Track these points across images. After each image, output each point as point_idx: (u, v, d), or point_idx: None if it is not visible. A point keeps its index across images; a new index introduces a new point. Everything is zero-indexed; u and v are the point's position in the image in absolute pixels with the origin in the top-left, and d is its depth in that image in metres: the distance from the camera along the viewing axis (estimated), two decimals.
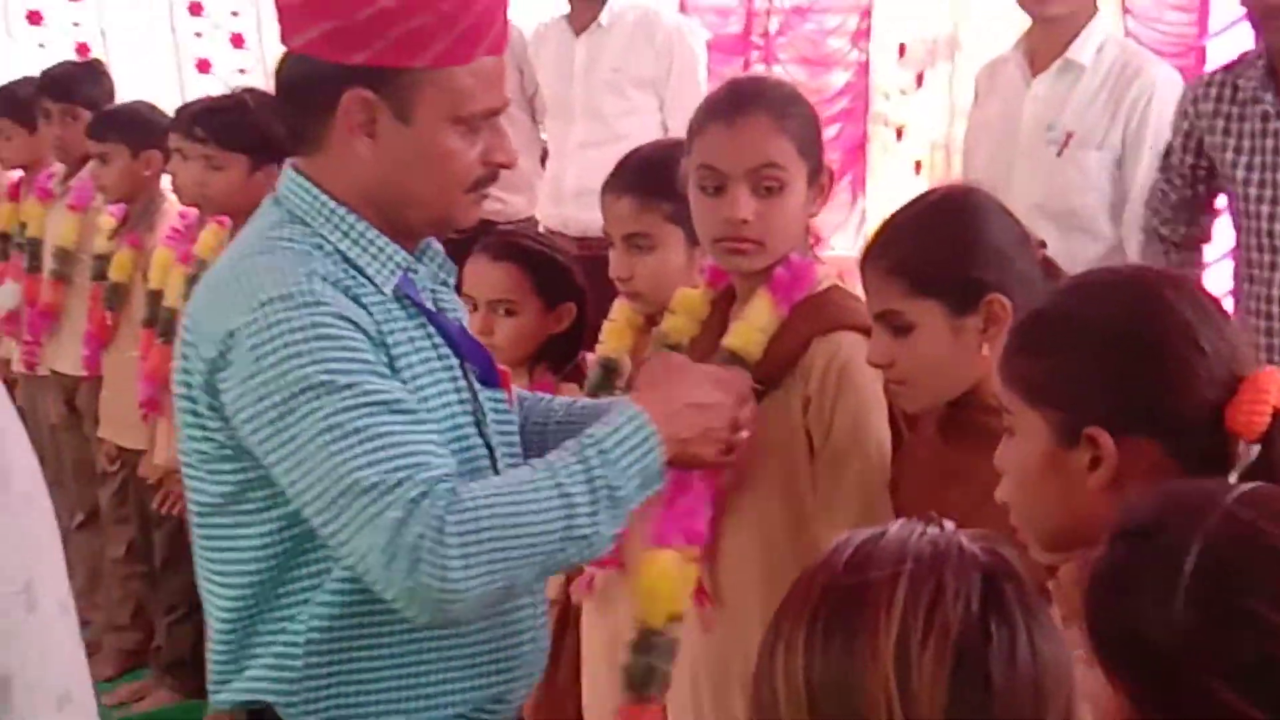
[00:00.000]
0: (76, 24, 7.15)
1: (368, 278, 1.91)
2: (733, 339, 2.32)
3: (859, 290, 2.19)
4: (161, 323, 4.24)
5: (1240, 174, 3.28)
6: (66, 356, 4.84)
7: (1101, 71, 3.48)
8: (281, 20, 1.94)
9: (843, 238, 6.19)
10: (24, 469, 1.12)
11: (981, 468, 1.74)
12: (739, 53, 6.91)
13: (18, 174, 5.23)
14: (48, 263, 4.88)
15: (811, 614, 1.21)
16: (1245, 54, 3.40)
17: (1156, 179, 3.42)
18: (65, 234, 4.82)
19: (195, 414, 1.88)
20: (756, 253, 2.28)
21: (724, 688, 2.37)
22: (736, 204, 2.26)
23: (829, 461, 2.27)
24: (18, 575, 1.16)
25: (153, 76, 7.08)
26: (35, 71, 5.05)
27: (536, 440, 2.12)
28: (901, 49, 6.42)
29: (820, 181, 2.30)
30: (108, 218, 4.65)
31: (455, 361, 1.97)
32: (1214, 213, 3.53)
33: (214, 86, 7.01)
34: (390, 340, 1.89)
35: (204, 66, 7.41)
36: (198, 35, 7.40)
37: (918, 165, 6.35)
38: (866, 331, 2.16)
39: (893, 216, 2.12)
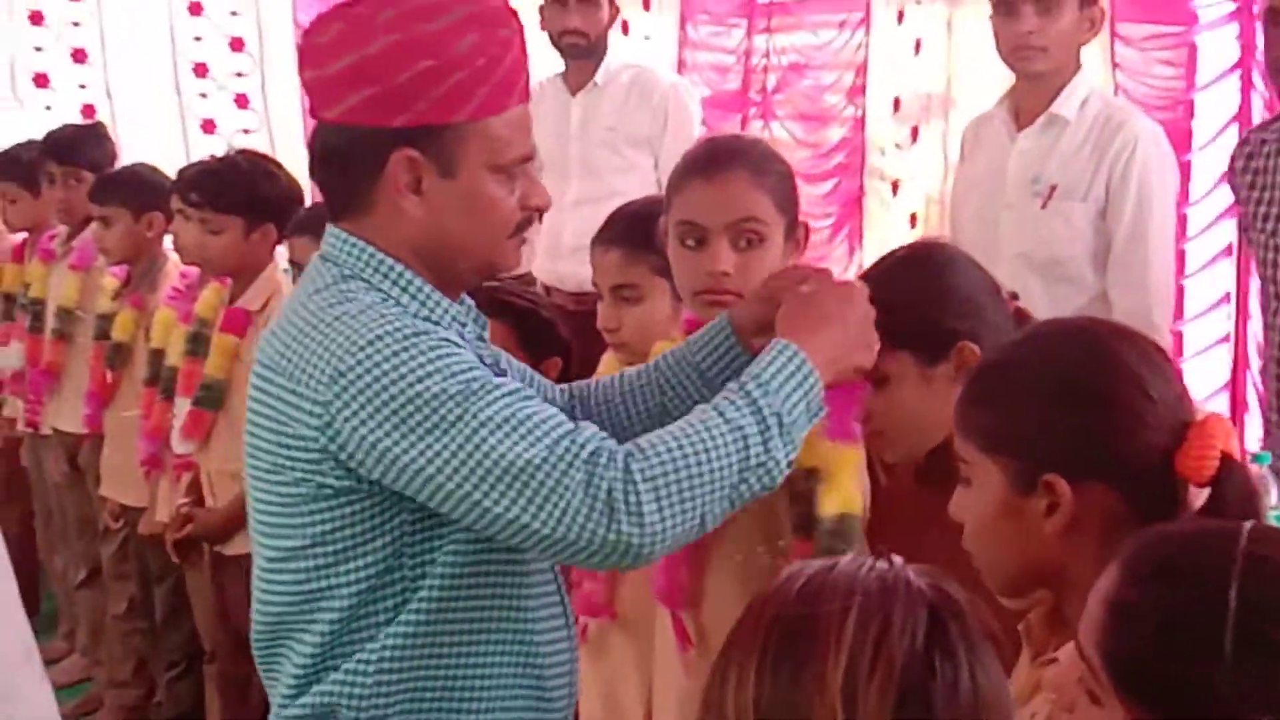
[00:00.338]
0: (83, 86, 7.22)
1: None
2: None
3: None
4: (163, 381, 4.28)
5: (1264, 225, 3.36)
6: (68, 415, 4.89)
7: (1085, 125, 3.53)
8: (314, 95, 1.99)
9: None
10: None
11: None
12: (737, 109, 6.96)
13: (22, 236, 5.29)
14: (50, 322, 4.94)
15: (762, 643, 1.26)
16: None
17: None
18: (67, 294, 4.88)
19: (290, 459, 1.93)
20: (737, 304, 2.32)
21: None
22: (717, 257, 2.30)
23: None
24: None
25: (158, 137, 7.15)
26: (42, 134, 5.12)
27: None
28: (896, 104, 6.46)
29: (796, 236, 2.36)
30: (111, 278, 4.71)
31: None
32: None
33: (219, 146, 7.08)
34: None
35: (209, 127, 7.47)
36: (203, 96, 7.47)
37: (913, 218, 6.38)
38: None
39: (865, 273, 2.18)
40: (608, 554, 1.86)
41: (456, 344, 1.92)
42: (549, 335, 3.04)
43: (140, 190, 4.53)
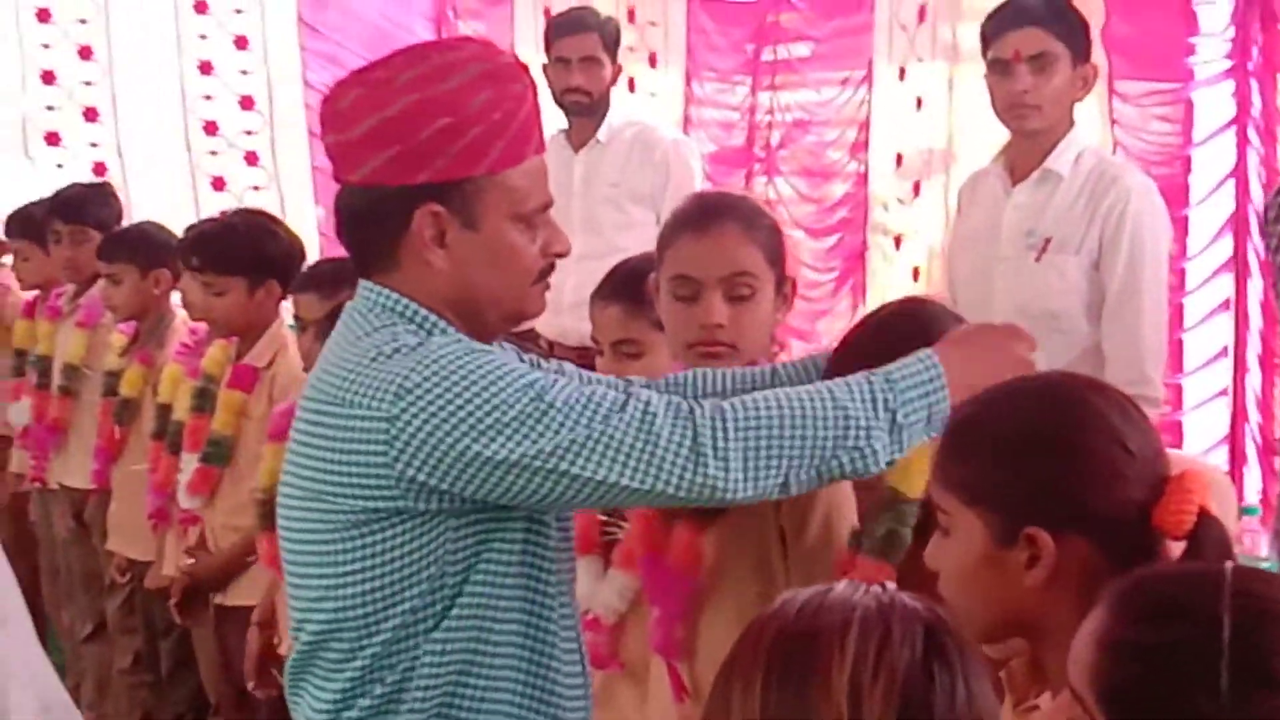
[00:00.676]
0: (94, 144, 7.29)
1: None
2: None
3: None
4: (170, 436, 4.32)
5: None
6: (74, 471, 4.92)
7: (1079, 180, 3.56)
8: (337, 159, 2.06)
9: None
10: None
11: None
12: (742, 165, 7.02)
13: (33, 294, 5.35)
14: (56, 379, 4.98)
15: (766, 658, 1.31)
16: None
17: None
18: (73, 351, 4.92)
19: (340, 485, 1.98)
20: (730, 356, 2.36)
21: None
22: (711, 310, 2.34)
23: (802, 559, 2.33)
24: None
25: (169, 194, 7.20)
26: (53, 192, 5.18)
27: None
28: (899, 160, 6.51)
29: (785, 290, 2.40)
30: (119, 335, 4.75)
31: None
32: None
33: (229, 203, 7.13)
34: None
35: (219, 184, 7.53)
36: (213, 154, 7.53)
37: (915, 272, 6.42)
38: None
39: (850, 333, 2.23)
40: (695, 497, 1.96)
41: (510, 356, 2.03)
42: None
43: (148, 248, 4.58)
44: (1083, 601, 1.56)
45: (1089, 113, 5.25)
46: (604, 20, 5.08)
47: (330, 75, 7.40)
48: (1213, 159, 5.15)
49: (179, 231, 4.43)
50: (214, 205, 6.92)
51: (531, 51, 5.82)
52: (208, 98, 7.46)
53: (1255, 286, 5.06)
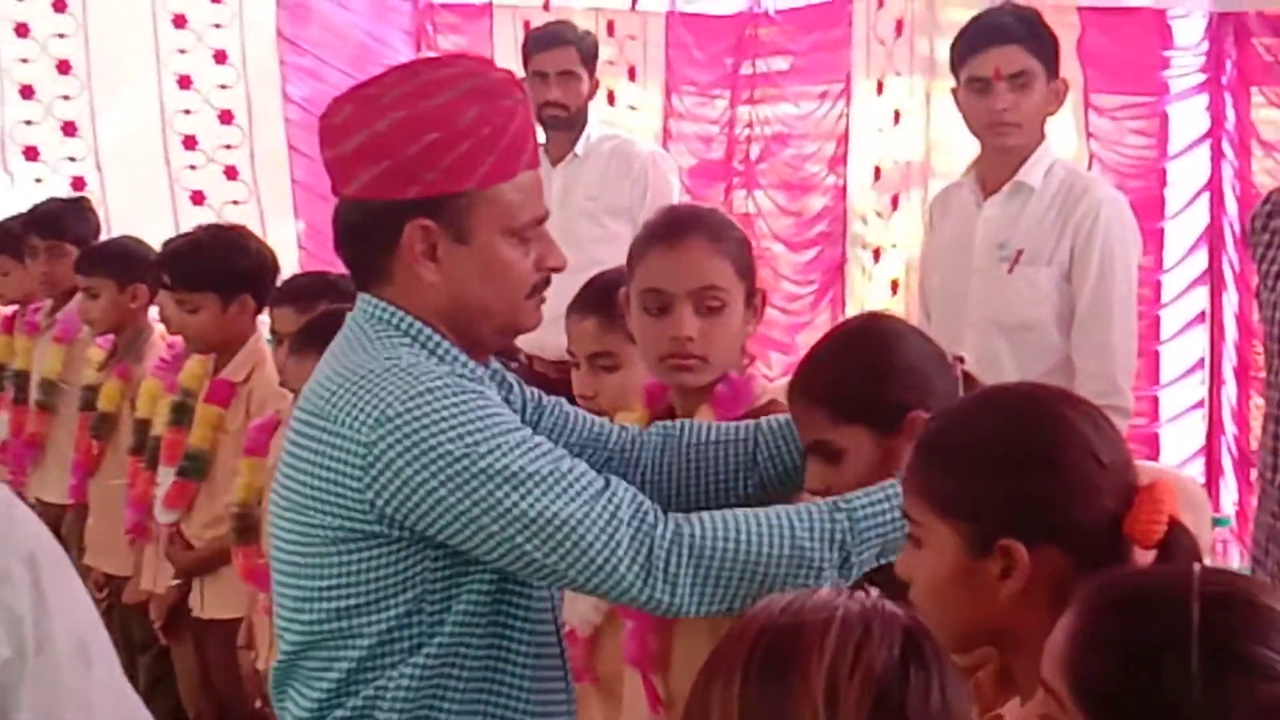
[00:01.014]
0: (73, 159, 7.28)
1: None
2: None
3: None
4: (148, 451, 4.31)
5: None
6: (51, 486, 4.92)
7: (1050, 192, 3.59)
8: (333, 173, 2.08)
9: None
10: (66, 632, 1.15)
11: None
12: (721, 178, 7.04)
13: (11, 309, 5.34)
14: (33, 394, 4.97)
15: (749, 650, 1.34)
16: None
17: None
18: (50, 365, 4.92)
19: (321, 500, 2.00)
20: (701, 369, 2.37)
21: None
22: (681, 323, 2.35)
23: None
24: None
25: (148, 208, 7.19)
26: (31, 207, 5.18)
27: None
28: (877, 173, 6.53)
29: (754, 303, 2.41)
30: (97, 349, 4.75)
31: None
32: None
33: (208, 218, 7.12)
34: None
35: (198, 198, 7.52)
36: (192, 168, 7.52)
37: (894, 285, 6.44)
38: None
39: (812, 350, 2.24)
40: (638, 606, 2.00)
41: (498, 403, 2.02)
42: None
43: (125, 262, 4.58)
44: (1054, 610, 1.57)
45: (1065, 126, 5.29)
46: (582, 34, 5.10)
47: (310, 90, 7.41)
48: (1188, 172, 5.19)
49: (159, 246, 4.44)
50: (193, 219, 6.88)
51: (510, 66, 5.82)
52: (187, 112, 7.45)
53: (1231, 299, 5.09)
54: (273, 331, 3.86)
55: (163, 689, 4.56)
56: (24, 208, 5.30)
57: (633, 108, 7.16)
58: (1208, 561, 1.68)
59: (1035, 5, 3.91)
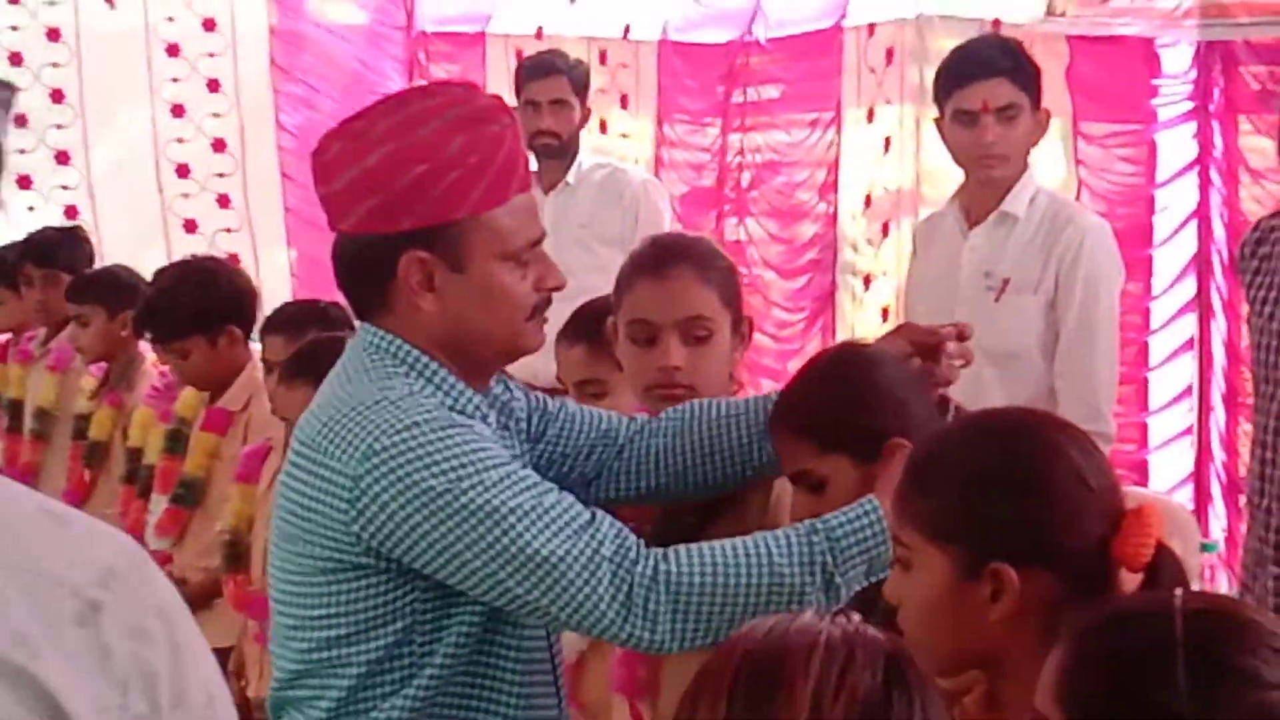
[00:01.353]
0: (66, 187, 7.31)
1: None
2: None
3: None
4: (140, 480, 4.32)
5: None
6: None
7: (1034, 221, 3.61)
8: (328, 209, 2.11)
9: None
10: (199, 684, 1.15)
11: None
12: (712, 205, 7.05)
13: (5, 337, 5.36)
14: (28, 423, 4.98)
15: (734, 674, 1.35)
16: None
17: None
18: (44, 394, 4.93)
19: (311, 530, 2.02)
20: (688, 397, 2.39)
21: None
22: (668, 353, 2.37)
23: None
24: None
25: (141, 236, 7.23)
26: (25, 235, 5.20)
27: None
28: (867, 201, 6.54)
29: (742, 330, 2.43)
30: (89, 378, 4.76)
31: None
32: None
33: (200, 245, 7.15)
34: None
35: (191, 226, 7.55)
36: (185, 196, 7.55)
37: (885, 312, 6.44)
38: None
39: (791, 382, 2.26)
40: (619, 642, 2.02)
41: (487, 437, 2.03)
42: None
43: (115, 290, 4.60)
44: (1043, 634, 1.60)
45: (1054, 153, 5.31)
46: (573, 64, 5.13)
47: (303, 118, 7.45)
48: (1176, 200, 5.20)
49: (151, 274, 4.44)
50: (186, 248, 6.94)
51: (503, 94, 5.84)
52: (180, 140, 7.49)
53: (1219, 326, 5.10)
54: (263, 360, 3.87)
55: None
56: (17, 236, 5.31)
57: (625, 136, 7.19)
58: (1196, 587, 1.70)
59: (1024, 34, 3.93)
